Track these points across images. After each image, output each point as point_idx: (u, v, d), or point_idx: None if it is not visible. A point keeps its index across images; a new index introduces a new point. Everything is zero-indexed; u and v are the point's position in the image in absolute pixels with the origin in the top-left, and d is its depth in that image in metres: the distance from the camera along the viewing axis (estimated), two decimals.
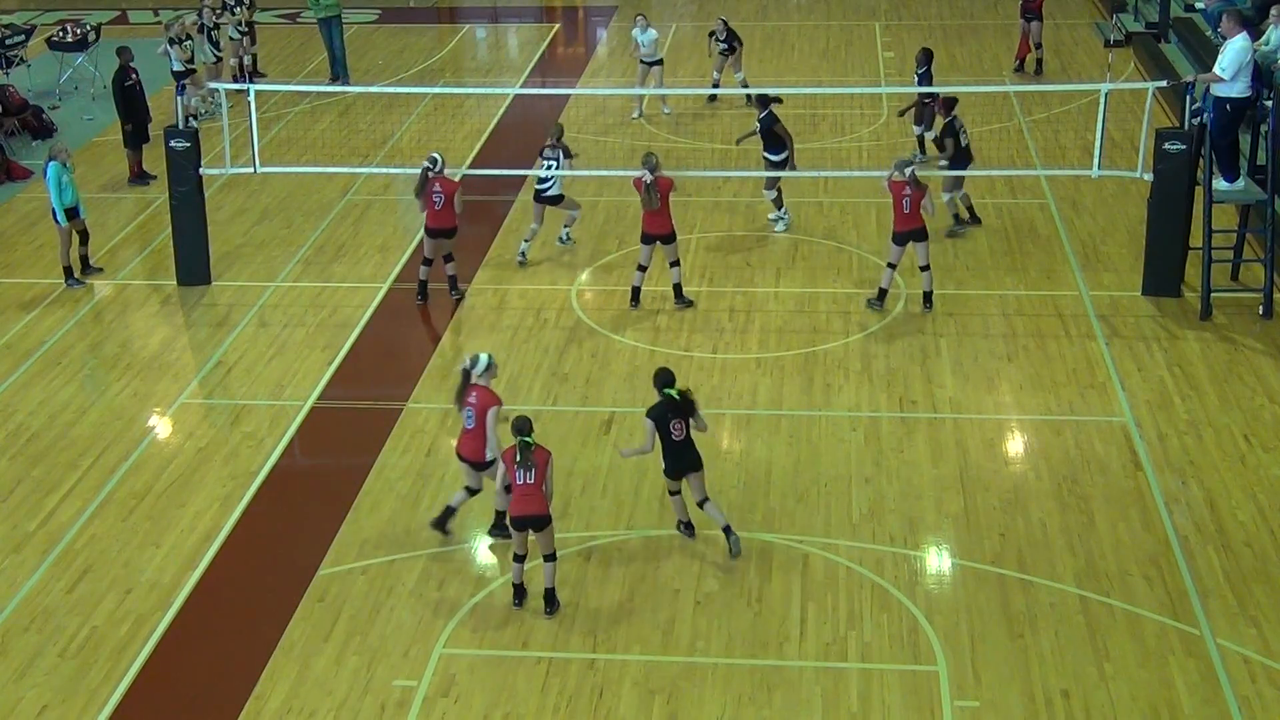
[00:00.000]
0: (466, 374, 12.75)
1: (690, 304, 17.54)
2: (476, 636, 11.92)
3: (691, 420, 12.62)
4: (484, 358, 12.79)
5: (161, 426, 15.38)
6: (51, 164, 18.17)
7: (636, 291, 17.59)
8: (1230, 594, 12.21)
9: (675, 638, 11.82)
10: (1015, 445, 14.65)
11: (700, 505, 12.82)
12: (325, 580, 12.68)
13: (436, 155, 17.54)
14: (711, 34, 25.45)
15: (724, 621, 12.00)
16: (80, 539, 13.38)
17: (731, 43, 25.05)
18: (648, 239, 17.30)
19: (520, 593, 12.18)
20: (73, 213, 18.35)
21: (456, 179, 17.77)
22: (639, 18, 24.81)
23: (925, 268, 17.21)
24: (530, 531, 11.94)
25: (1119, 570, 12.53)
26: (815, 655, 11.60)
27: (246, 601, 12.52)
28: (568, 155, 18.93)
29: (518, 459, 11.75)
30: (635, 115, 24.59)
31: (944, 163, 19.18)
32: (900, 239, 16.98)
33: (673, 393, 12.56)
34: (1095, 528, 13.15)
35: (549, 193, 18.81)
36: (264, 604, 12.43)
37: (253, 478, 14.33)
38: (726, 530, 12.74)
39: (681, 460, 12.65)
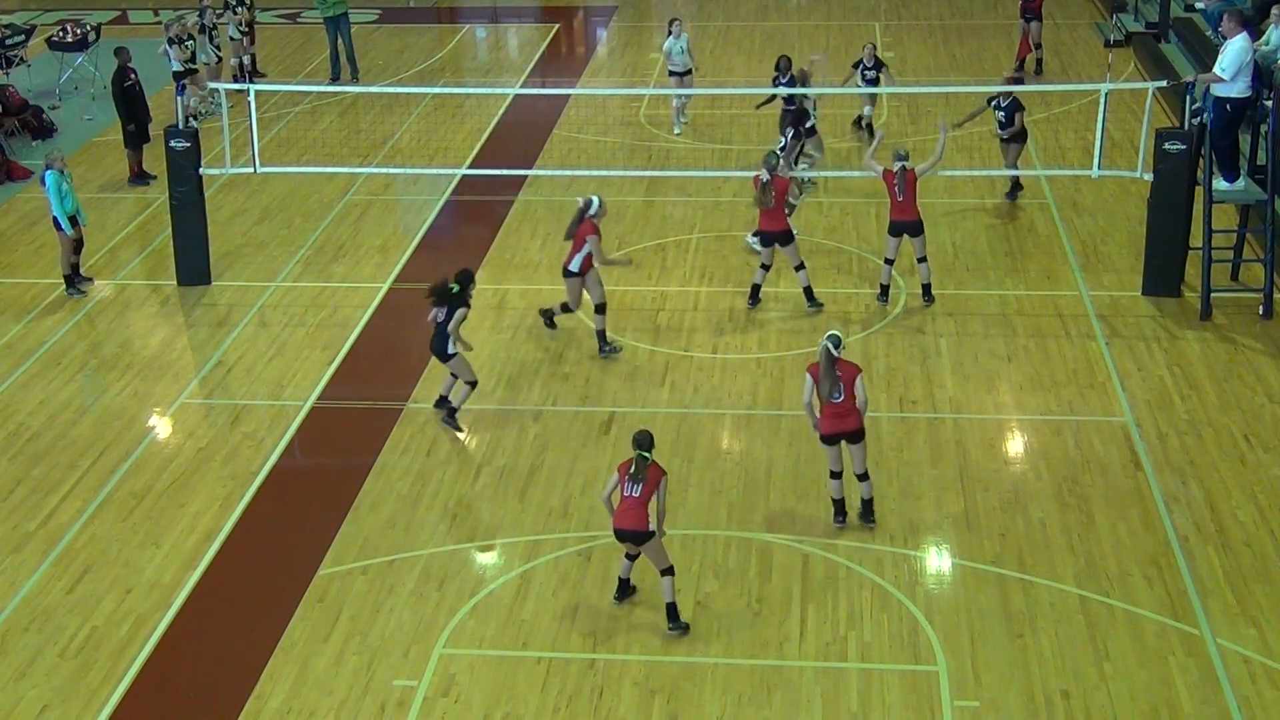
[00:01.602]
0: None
1: (821, 306, 17.33)
2: (476, 636, 11.93)
3: (449, 313, 14.48)
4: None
5: (161, 426, 15.38)
6: (49, 173, 18.08)
7: (756, 289, 17.48)
8: (1230, 594, 12.21)
9: (675, 638, 11.82)
10: (1015, 445, 14.65)
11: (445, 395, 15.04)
12: (325, 580, 12.68)
13: (595, 199, 16.20)
14: (858, 63, 22.65)
15: (724, 621, 12.00)
16: (80, 539, 13.38)
17: (878, 71, 22.52)
18: (766, 239, 17.13)
19: (623, 588, 12.15)
20: (73, 219, 18.28)
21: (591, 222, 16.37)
22: (675, 23, 23.49)
23: (922, 259, 17.23)
24: (632, 545, 11.83)
25: (1119, 570, 12.53)
26: (815, 655, 11.60)
27: (246, 601, 12.52)
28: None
29: (631, 470, 11.66)
30: (676, 131, 23.66)
31: (1004, 136, 20.21)
32: (894, 229, 17.02)
33: (451, 285, 14.52)
34: (1095, 528, 13.15)
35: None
36: (264, 604, 12.43)
37: (253, 478, 14.33)
38: (446, 408, 14.90)
39: (431, 341, 14.77)
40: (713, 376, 16.00)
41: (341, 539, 13.27)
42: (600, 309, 16.40)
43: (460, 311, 14.55)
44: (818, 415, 12.83)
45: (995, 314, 17.32)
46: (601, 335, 16.47)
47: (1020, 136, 20.11)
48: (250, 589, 12.71)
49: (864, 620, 11.98)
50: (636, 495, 11.62)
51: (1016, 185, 20.63)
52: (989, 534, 13.11)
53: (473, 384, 14.92)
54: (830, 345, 12.65)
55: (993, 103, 20.18)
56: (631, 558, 12.05)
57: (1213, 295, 17.00)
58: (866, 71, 22.49)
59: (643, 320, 17.33)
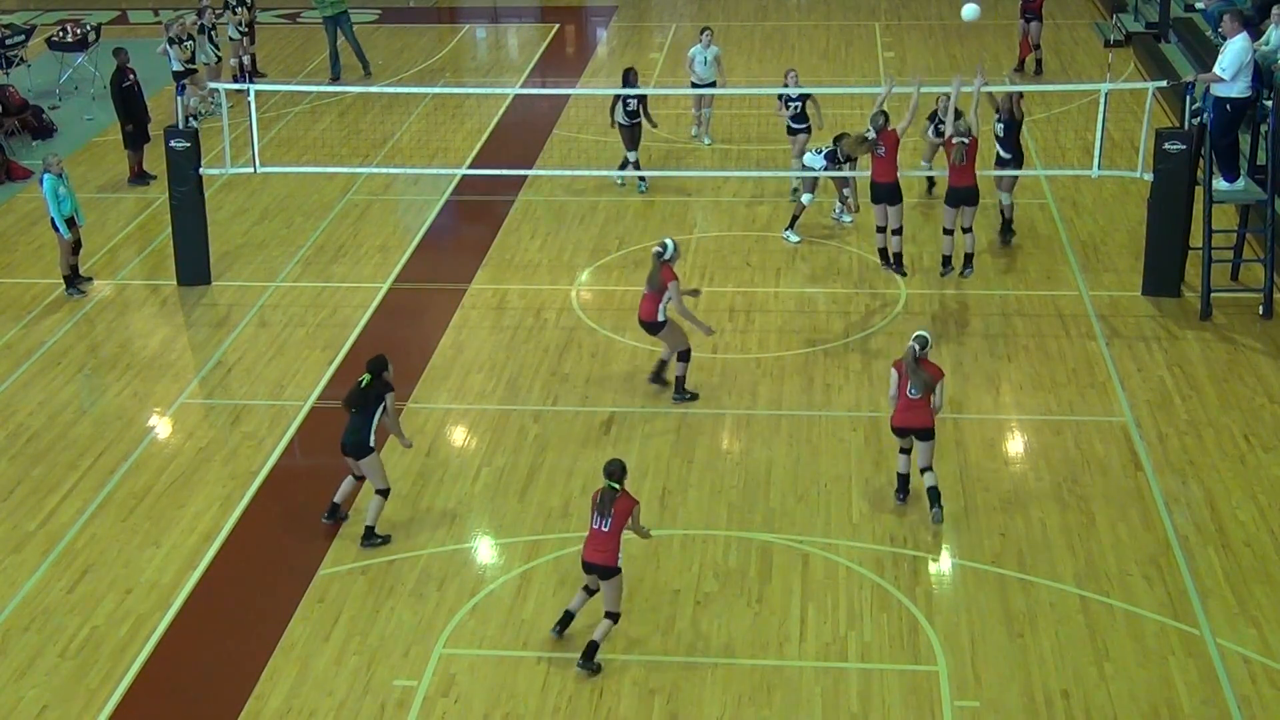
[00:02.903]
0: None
1: (892, 269, 17.61)
2: (476, 636, 11.93)
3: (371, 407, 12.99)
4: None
5: (161, 426, 15.38)
6: (46, 176, 18.05)
7: (884, 253, 17.63)
8: (1230, 594, 12.21)
9: (675, 638, 11.82)
10: (1015, 445, 14.65)
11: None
12: (325, 580, 12.68)
13: (669, 242, 15.08)
14: (932, 115, 20.18)
15: (724, 621, 12.00)
16: (80, 539, 13.38)
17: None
18: (875, 193, 17.31)
19: (566, 621, 11.69)
20: (70, 221, 18.24)
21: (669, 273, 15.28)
22: (705, 31, 22.45)
23: (967, 230, 17.42)
24: (596, 579, 11.46)
25: (1119, 570, 12.53)
26: (815, 655, 11.60)
27: (246, 602, 12.52)
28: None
29: (599, 501, 11.29)
30: (703, 140, 22.94)
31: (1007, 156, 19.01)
32: (951, 198, 17.33)
33: (362, 378, 13.03)
34: (1095, 528, 13.15)
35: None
36: (264, 604, 12.43)
37: (253, 478, 14.33)
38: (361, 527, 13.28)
39: (344, 436, 13.06)
40: (713, 376, 15.99)
41: (341, 539, 13.26)
42: (683, 355, 15.33)
43: (388, 399, 13.05)
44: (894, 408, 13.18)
45: (995, 314, 17.32)
46: (679, 382, 15.45)
47: (1019, 160, 18.99)
48: (250, 589, 12.71)
49: (864, 620, 11.98)
50: (605, 530, 11.24)
51: (1008, 225, 19.31)
52: (989, 534, 13.11)
53: (385, 493, 13.19)
54: (917, 346, 12.90)
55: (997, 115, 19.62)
56: (590, 592, 11.64)
57: (1213, 295, 17.00)
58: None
59: None
